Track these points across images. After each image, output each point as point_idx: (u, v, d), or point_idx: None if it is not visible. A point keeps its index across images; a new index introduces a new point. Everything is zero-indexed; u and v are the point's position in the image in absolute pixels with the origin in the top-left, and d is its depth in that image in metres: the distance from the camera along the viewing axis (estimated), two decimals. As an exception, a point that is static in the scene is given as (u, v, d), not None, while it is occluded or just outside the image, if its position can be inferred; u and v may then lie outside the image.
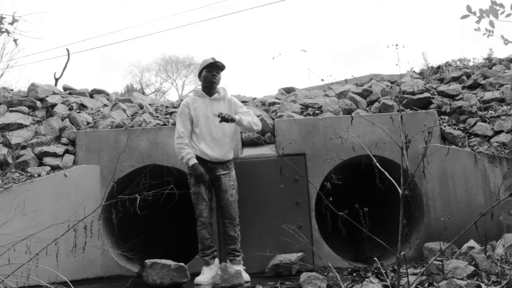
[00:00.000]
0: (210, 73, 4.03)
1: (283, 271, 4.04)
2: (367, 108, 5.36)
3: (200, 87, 4.19)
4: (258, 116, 5.09)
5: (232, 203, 3.99)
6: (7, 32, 3.16)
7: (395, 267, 3.52)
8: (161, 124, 5.06)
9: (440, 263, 3.07)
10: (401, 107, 5.04)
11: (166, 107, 5.89)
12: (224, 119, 3.81)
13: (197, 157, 3.95)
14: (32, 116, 5.21)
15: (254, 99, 6.13)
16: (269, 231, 4.38)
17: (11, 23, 3.13)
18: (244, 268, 3.94)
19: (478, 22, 2.31)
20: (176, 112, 5.40)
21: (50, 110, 5.33)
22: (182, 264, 3.79)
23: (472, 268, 3.01)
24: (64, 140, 4.92)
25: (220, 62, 4.04)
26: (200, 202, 3.95)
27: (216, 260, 3.98)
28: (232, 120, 3.86)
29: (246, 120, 3.98)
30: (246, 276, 3.81)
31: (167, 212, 5.01)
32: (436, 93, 5.30)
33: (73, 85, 6.03)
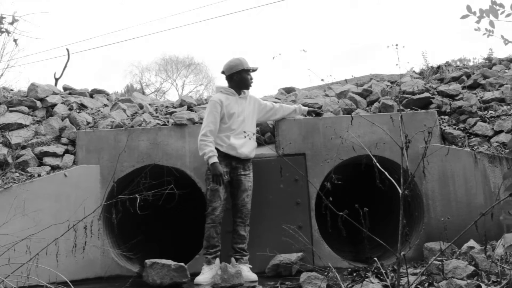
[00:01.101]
0: (249, 77, 4.22)
1: (283, 271, 4.04)
2: (367, 108, 5.36)
3: (224, 85, 4.28)
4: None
5: (248, 203, 4.08)
6: (7, 32, 3.16)
7: (395, 267, 3.52)
8: (161, 124, 5.06)
9: (440, 263, 3.07)
10: (401, 107, 5.04)
11: (166, 107, 5.89)
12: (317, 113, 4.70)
13: (224, 154, 4.00)
14: (32, 116, 5.21)
15: (254, 99, 6.12)
16: (269, 231, 4.38)
17: (11, 23, 3.13)
18: (251, 267, 3.95)
19: (478, 22, 2.31)
20: (176, 112, 5.40)
21: (50, 110, 5.33)
22: (182, 264, 3.79)
23: (472, 268, 3.02)
24: (64, 140, 4.92)
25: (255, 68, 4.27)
26: (215, 200, 3.97)
27: (217, 260, 3.98)
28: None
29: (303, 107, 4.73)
30: (253, 276, 3.84)
31: (167, 212, 5.01)
32: (436, 93, 5.30)
33: (73, 85, 6.03)
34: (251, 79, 4.24)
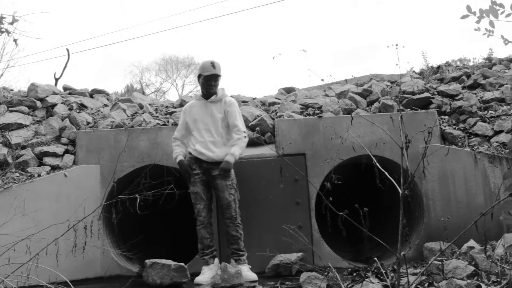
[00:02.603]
0: (208, 82, 4.08)
1: (283, 271, 4.04)
2: (367, 108, 5.36)
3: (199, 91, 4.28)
4: (258, 116, 5.10)
5: (231, 203, 3.98)
6: (7, 32, 3.16)
7: (395, 267, 3.52)
8: (161, 124, 5.06)
9: (440, 263, 3.07)
10: (401, 107, 5.04)
11: (166, 107, 5.89)
12: (221, 175, 3.94)
13: (195, 157, 4.06)
14: (32, 116, 5.21)
15: (254, 99, 6.13)
16: (269, 231, 4.38)
17: (11, 23, 3.13)
18: (250, 267, 3.94)
19: (478, 22, 2.31)
20: (176, 112, 5.42)
21: (50, 110, 5.33)
22: (182, 264, 3.79)
23: (472, 268, 3.01)
24: (64, 140, 4.92)
25: (216, 72, 4.04)
26: (198, 201, 3.99)
27: (216, 260, 3.98)
28: (227, 171, 3.95)
29: (237, 152, 3.99)
30: (253, 276, 3.83)
31: (167, 212, 5.01)
32: (436, 93, 5.30)
33: (73, 85, 6.03)
34: (211, 85, 4.06)
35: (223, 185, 3.98)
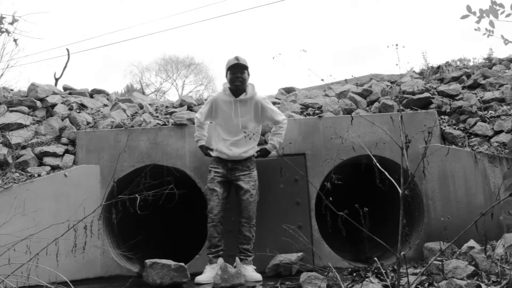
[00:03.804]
0: (234, 75, 3.96)
1: (283, 271, 4.04)
2: (367, 108, 5.36)
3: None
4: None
5: (251, 203, 4.02)
6: (7, 32, 3.16)
7: (395, 267, 3.52)
8: (161, 124, 5.06)
9: (440, 263, 3.07)
10: (401, 107, 5.04)
11: (166, 107, 5.89)
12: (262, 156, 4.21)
13: (218, 157, 4.09)
14: (32, 116, 5.21)
15: (254, 99, 6.12)
16: (269, 231, 4.38)
17: (11, 23, 3.13)
18: (255, 268, 3.95)
19: (478, 22, 2.31)
20: (176, 112, 5.41)
21: (50, 110, 5.33)
22: (182, 264, 3.79)
23: (472, 268, 3.01)
24: (64, 140, 4.92)
25: (241, 62, 3.95)
26: (212, 198, 4.01)
27: (220, 260, 3.98)
28: (265, 156, 4.23)
29: (277, 141, 4.17)
30: (258, 276, 3.85)
31: (167, 212, 5.01)
32: (436, 93, 5.30)
33: (73, 85, 6.03)
34: (237, 77, 3.95)
35: (247, 186, 4.02)
